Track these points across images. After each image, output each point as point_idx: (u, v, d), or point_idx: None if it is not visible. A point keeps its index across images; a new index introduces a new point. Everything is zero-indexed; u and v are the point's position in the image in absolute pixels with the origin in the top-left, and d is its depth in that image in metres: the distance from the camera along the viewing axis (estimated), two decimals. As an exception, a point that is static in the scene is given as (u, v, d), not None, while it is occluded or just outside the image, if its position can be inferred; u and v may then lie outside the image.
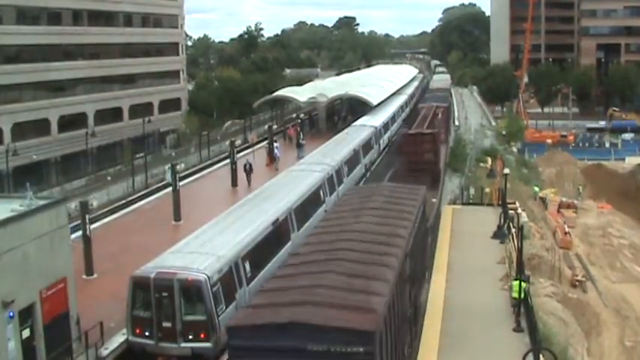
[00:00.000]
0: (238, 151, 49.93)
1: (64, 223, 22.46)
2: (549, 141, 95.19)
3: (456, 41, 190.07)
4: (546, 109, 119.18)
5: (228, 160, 49.54)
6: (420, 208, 25.34)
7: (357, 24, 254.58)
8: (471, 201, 43.61)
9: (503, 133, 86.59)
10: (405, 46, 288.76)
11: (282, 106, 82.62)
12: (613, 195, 68.30)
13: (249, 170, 44.62)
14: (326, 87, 79.64)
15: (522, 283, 23.21)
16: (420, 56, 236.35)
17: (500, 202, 38.43)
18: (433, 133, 48.91)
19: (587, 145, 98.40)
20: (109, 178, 56.90)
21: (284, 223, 30.25)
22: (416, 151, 47.24)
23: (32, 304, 20.60)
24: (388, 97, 76.50)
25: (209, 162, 57.15)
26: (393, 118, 67.04)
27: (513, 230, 31.03)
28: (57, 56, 68.19)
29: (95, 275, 28.08)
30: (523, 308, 23.24)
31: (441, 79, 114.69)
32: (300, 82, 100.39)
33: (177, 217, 36.03)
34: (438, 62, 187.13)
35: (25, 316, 20.37)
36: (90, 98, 71.92)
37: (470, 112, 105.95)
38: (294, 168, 39.97)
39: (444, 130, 63.27)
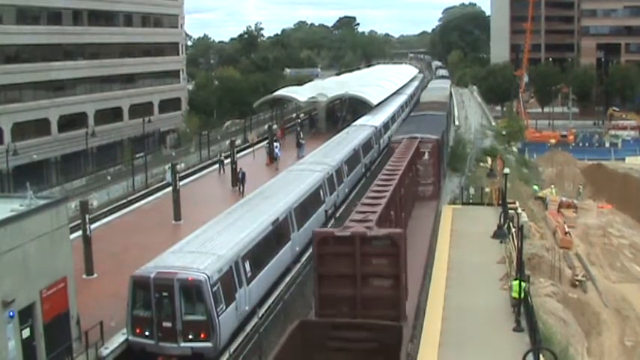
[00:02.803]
0: (228, 156, 49.77)
1: (64, 223, 22.48)
2: (553, 141, 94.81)
3: (456, 41, 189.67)
4: (546, 109, 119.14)
5: (225, 162, 49.36)
6: None
7: (357, 24, 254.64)
8: (470, 201, 43.53)
9: (503, 132, 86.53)
10: (405, 45, 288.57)
11: (282, 105, 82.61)
12: (613, 195, 68.30)
13: (241, 179, 42.69)
14: (326, 87, 79.63)
15: (522, 283, 23.20)
16: (422, 56, 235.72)
17: (500, 202, 38.40)
18: (394, 239, 20.82)
19: (587, 144, 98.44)
20: (109, 177, 56.80)
21: (284, 223, 30.30)
22: (353, 275, 20.62)
23: (32, 304, 20.62)
24: (388, 97, 76.52)
25: (209, 162, 57.11)
26: (393, 118, 67.04)
27: (513, 230, 30.99)
28: (57, 56, 68.23)
29: (95, 275, 28.10)
30: (523, 308, 23.22)
31: (438, 88, 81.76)
32: (300, 81, 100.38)
33: (177, 216, 36.06)
34: (439, 64, 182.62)
35: (26, 315, 20.39)
36: (90, 98, 71.96)
37: (470, 111, 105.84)
38: (295, 167, 40.01)
39: (434, 186, 39.06)
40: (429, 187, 38.25)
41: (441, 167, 42.72)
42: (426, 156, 38.74)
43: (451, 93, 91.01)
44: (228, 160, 46.99)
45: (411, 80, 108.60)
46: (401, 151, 35.76)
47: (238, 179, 43.02)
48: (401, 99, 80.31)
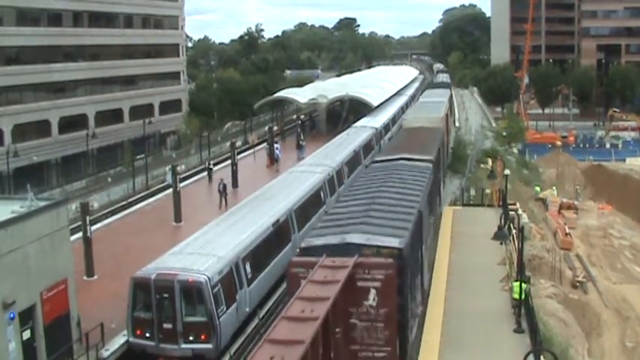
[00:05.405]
0: (215, 164, 49.66)
1: (65, 225, 22.48)
2: (559, 143, 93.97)
3: (457, 42, 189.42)
4: (547, 110, 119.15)
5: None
6: None
7: (358, 25, 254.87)
8: (471, 202, 43.56)
9: (504, 134, 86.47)
10: (405, 47, 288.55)
11: (282, 107, 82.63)
12: (613, 196, 68.25)
13: (222, 190, 39.67)
14: (326, 88, 79.68)
15: (523, 284, 23.19)
16: (425, 58, 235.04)
17: (500, 203, 38.37)
18: None
19: (587, 145, 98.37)
20: (109, 179, 56.89)
21: (284, 224, 30.28)
22: None
23: (33, 306, 20.62)
24: (389, 99, 76.54)
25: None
26: (393, 120, 67.03)
27: (514, 231, 30.99)
28: (57, 57, 68.19)
29: (96, 276, 28.10)
30: (524, 309, 23.21)
31: (432, 103, 57.52)
32: (300, 83, 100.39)
33: (177, 218, 36.05)
34: (441, 66, 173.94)
35: (26, 317, 20.39)
36: (90, 99, 71.95)
37: (470, 113, 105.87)
38: (295, 169, 39.99)
39: None
40: None
41: (408, 313, 19.09)
42: (372, 298, 17.18)
43: (451, 108, 72.39)
44: (218, 166, 46.45)
45: (412, 81, 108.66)
46: (310, 296, 15.10)
47: (219, 192, 39.87)
48: (401, 100, 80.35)
